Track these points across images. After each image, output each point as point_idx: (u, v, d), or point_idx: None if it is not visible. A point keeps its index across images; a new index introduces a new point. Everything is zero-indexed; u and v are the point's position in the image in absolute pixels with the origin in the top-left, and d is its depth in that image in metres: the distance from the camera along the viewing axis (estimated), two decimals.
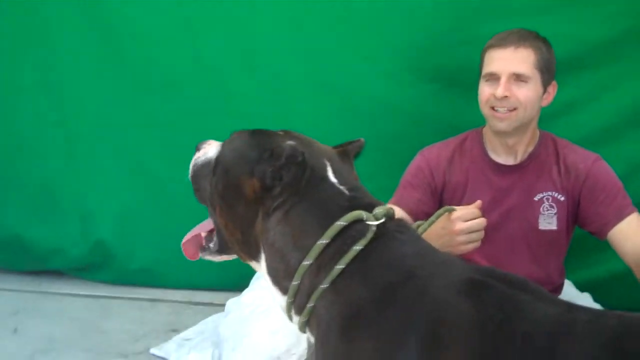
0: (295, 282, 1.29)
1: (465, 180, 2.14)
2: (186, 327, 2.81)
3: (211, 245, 1.48)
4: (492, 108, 2.01)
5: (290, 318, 1.35)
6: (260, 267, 1.37)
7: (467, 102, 2.61)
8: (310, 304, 1.28)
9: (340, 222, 1.27)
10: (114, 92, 3.14)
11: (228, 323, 2.48)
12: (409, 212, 2.08)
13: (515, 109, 1.99)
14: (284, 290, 1.33)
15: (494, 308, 1.15)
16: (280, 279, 1.33)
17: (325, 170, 1.36)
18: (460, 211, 1.75)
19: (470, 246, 1.74)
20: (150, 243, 3.22)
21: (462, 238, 1.72)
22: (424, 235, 1.43)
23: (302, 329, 1.32)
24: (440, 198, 2.16)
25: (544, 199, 2.08)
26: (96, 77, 3.14)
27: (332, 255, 1.27)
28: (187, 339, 2.67)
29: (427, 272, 1.23)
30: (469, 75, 2.67)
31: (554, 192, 2.08)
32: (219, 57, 3.02)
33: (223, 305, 2.73)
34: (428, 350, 1.13)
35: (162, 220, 3.20)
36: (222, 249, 1.46)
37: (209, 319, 2.85)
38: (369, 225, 1.28)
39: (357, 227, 1.28)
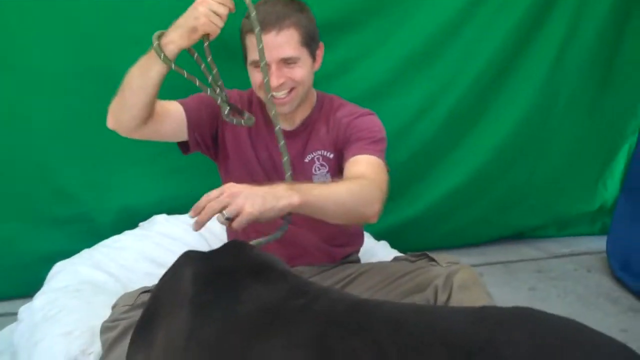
0: None
1: (248, 132, 2.07)
2: None
3: None
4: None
5: None
6: None
7: None
8: None
9: None
10: None
11: (21, 331, 2.32)
12: (184, 105, 1.99)
13: (293, 88, 1.93)
14: None
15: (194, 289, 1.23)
16: None
17: None
18: None
19: (211, 28, 1.68)
20: None
21: (202, 9, 1.66)
22: None
23: None
24: (216, 137, 2.08)
25: (315, 159, 2.07)
26: None
27: None
28: None
29: None
30: None
31: (323, 151, 2.07)
32: None
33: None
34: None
35: None
36: None
37: (5, 330, 2.62)
38: None
39: None
